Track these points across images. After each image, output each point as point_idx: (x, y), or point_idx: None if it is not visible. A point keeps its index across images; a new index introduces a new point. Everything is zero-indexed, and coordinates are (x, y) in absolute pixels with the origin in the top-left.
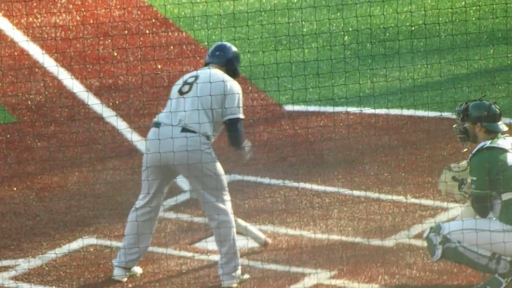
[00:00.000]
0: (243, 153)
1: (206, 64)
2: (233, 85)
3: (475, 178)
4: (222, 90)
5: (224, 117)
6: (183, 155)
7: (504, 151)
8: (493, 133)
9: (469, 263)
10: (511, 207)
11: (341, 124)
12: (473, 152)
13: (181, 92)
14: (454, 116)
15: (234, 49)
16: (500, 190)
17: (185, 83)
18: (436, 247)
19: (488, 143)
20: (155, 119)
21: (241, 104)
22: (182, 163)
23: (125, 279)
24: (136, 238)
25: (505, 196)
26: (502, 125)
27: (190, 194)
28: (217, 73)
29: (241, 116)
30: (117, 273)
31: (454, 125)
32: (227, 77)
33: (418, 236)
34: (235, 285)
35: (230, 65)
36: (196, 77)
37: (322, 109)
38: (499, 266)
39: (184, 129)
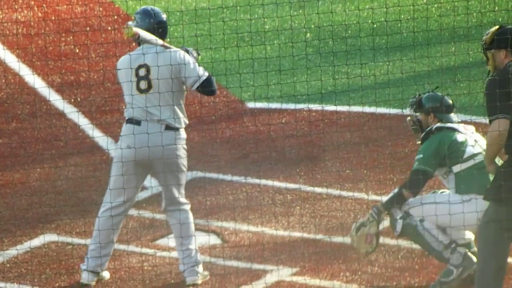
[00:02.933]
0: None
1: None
2: (181, 53)
3: (421, 155)
4: (177, 69)
5: (193, 86)
6: (169, 151)
7: (453, 130)
8: (446, 123)
9: (425, 245)
10: (464, 176)
11: (303, 121)
12: (421, 136)
13: (140, 90)
14: (407, 109)
15: (157, 9)
16: (451, 164)
17: (139, 78)
18: (397, 221)
19: (440, 124)
20: (129, 115)
21: (197, 65)
22: (165, 159)
23: (93, 283)
24: (108, 240)
25: (456, 169)
26: (454, 116)
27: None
28: (161, 53)
29: (206, 73)
30: (86, 277)
31: (408, 117)
32: (170, 50)
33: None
34: (199, 281)
35: (161, 25)
36: (147, 69)
37: (284, 106)
38: (453, 257)
39: (164, 125)
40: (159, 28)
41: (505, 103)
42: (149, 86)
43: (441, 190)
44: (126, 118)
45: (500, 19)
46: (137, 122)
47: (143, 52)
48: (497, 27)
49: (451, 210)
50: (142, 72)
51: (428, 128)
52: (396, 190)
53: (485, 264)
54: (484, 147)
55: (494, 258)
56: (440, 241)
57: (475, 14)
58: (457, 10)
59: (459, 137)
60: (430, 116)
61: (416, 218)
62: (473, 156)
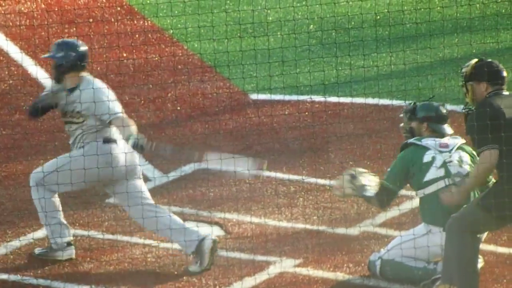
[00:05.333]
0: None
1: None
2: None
3: (389, 169)
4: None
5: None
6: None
7: (425, 149)
8: (438, 134)
9: (408, 270)
10: (427, 203)
11: (306, 113)
12: (401, 145)
13: None
14: (401, 115)
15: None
16: (414, 187)
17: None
18: (375, 263)
19: (413, 139)
20: (108, 136)
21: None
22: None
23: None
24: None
25: (419, 194)
26: (448, 128)
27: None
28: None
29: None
30: (61, 254)
31: (401, 124)
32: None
33: (383, 224)
34: (197, 270)
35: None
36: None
37: (287, 97)
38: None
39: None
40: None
41: (496, 135)
42: None
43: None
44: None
45: (503, 10)
46: (112, 141)
47: None
48: (476, 60)
49: (416, 244)
50: None
51: (404, 142)
52: (371, 192)
53: (449, 254)
54: (466, 166)
55: (457, 250)
56: (419, 260)
57: (478, 5)
58: (460, 2)
59: (426, 157)
60: (423, 125)
61: (391, 257)
62: (436, 180)
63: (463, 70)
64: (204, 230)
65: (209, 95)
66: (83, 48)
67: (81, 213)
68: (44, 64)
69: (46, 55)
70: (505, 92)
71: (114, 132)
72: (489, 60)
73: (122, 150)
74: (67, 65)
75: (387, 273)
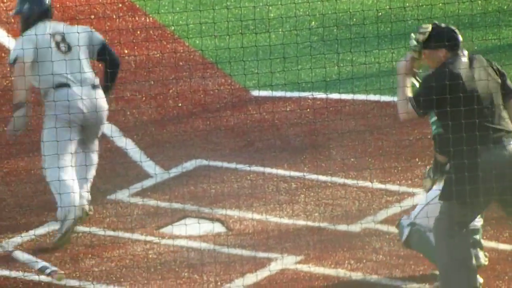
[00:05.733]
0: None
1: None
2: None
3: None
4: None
5: (96, 49)
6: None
7: None
8: None
9: (430, 252)
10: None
11: (308, 109)
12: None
13: (62, 52)
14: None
15: None
16: None
17: (57, 42)
18: (404, 228)
19: None
20: (61, 81)
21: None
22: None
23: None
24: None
25: None
26: None
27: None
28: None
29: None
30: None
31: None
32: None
33: (384, 221)
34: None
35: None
36: (63, 36)
37: (288, 94)
38: None
39: (95, 86)
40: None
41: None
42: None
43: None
44: None
45: (505, 7)
46: (65, 85)
47: None
48: (430, 25)
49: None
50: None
51: None
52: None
53: (441, 257)
54: None
55: (448, 252)
56: None
57: (479, 2)
58: None
59: None
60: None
61: (422, 227)
62: None
63: (418, 37)
64: (206, 227)
65: (211, 92)
66: None
67: None
68: None
69: (13, 12)
70: (464, 59)
71: None
72: (444, 24)
73: None
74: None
75: (412, 242)
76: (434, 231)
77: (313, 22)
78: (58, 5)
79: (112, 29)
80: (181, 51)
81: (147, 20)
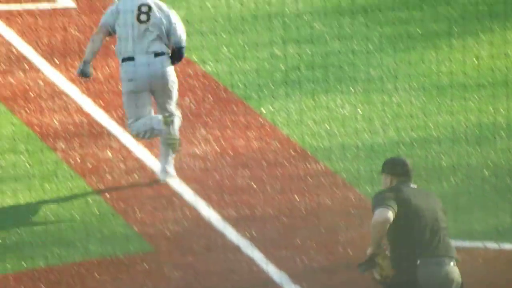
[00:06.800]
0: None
1: None
2: (176, 16)
3: None
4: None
5: (175, 44)
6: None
7: None
8: None
9: None
10: None
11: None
12: None
13: (140, 21)
14: None
15: None
16: None
17: (140, 12)
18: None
19: None
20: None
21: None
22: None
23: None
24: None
25: None
26: None
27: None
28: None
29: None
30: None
31: None
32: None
33: None
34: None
35: None
36: (149, 7)
37: (459, 243)
38: None
39: (157, 54)
40: None
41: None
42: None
43: None
44: None
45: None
46: (130, 59)
47: None
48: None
49: None
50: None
51: None
52: None
53: None
54: None
55: None
56: None
57: None
58: None
59: None
60: None
61: None
62: None
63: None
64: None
65: None
66: None
67: None
68: (217, 206)
69: None
70: (413, 185)
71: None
72: (397, 157)
73: None
74: None
75: None
76: None
77: (486, 172)
78: (230, 152)
79: (283, 176)
80: (352, 198)
81: (318, 167)
